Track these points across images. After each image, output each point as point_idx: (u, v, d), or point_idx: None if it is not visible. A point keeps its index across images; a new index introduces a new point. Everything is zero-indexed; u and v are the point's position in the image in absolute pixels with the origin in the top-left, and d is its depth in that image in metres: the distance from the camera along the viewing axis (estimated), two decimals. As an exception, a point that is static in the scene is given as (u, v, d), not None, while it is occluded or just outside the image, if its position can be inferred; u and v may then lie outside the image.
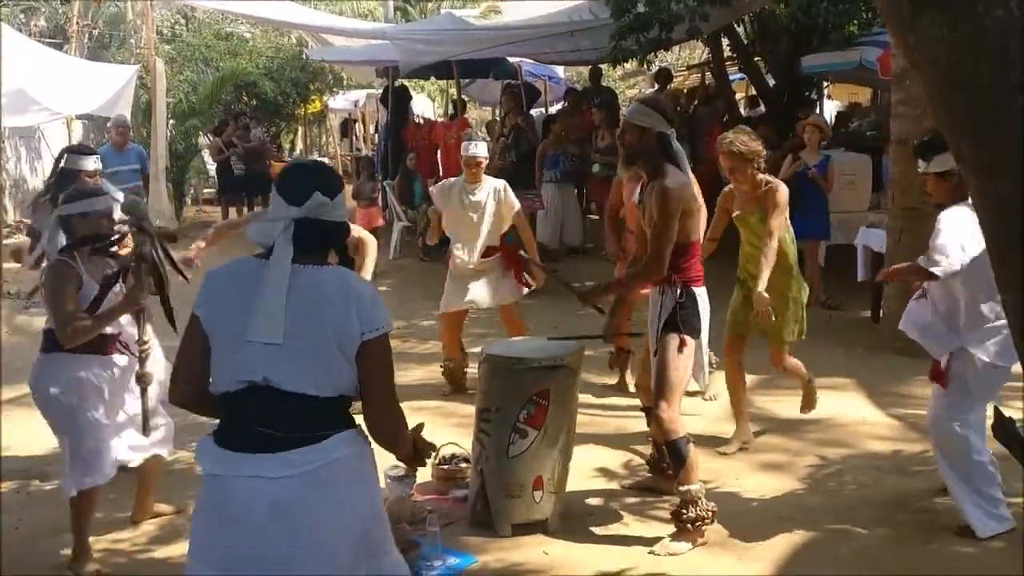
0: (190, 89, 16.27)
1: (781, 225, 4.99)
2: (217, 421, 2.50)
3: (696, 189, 4.31)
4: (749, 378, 6.35)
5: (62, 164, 5.21)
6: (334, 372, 2.37)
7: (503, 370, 4.28)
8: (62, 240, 3.98)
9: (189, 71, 17.04)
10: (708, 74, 14.76)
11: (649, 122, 4.14)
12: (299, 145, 25.50)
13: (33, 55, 12.41)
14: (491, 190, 6.19)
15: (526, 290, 6.38)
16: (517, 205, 6.24)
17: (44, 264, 4.16)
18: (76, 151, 5.46)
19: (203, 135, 16.81)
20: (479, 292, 6.22)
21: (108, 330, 3.95)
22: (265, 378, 2.34)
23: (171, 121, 15.36)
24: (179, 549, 4.07)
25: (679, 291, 4.13)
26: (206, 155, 17.95)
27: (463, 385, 6.34)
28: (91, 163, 5.23)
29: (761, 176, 4.99)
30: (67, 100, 12.47)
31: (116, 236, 4.07)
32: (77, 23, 21.11)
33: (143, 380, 4.00)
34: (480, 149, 6.23)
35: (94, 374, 3.98)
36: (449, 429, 5.11)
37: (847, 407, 5.90)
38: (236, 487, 2.35)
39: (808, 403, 5.43)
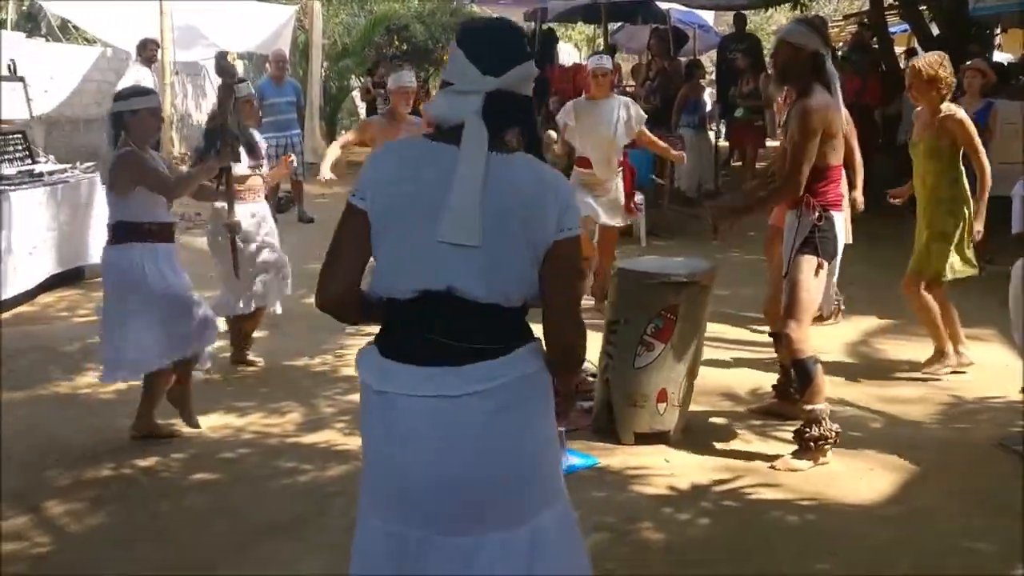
0: (344, 31, 16.78)
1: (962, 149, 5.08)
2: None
3: (846, 114, 4.27)
4: (882, 322, 6.29)
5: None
6: (524, 278, 2.04)
7: (633, 283, 4.37)
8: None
9: (344, 13, 17.56)
10: (864, 23, 14.20)
11: (803, 41, 4.09)
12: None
13: (201, -8, 13.04)
14: (620, 103, 6.49)
15: (631, 219, 6.97)
16: (644, 117, 6.54)
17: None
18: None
19: (355, 77, 17.35)
20: (597, 207, 6.50)
21: (167, 219, 4.43)
22: (449, 286, 2.00)
23: (325, 63, 15.92)
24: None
25: (816, 214, 4.11)
26: (357, 96, 18.51)
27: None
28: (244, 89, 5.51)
29: (944, 104, 5.01)
30: (231, 37, 13.09)
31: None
32: (242, -33, 21.96)
33: (232, 229, 4.80)
34: (606, 61, 6.61)
35: (156, 260, 4.32)
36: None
37: (990, 355, 5.72)
38: (410, 407, 2.04)
39: (934, 357, 5.35)
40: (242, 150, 5.04)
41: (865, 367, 5.53)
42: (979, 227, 5.20)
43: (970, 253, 5.22)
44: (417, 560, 2.06)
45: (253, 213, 5.35)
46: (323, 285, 2.11)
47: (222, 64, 4.52)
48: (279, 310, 5.62)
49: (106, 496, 3.87)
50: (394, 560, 2.07)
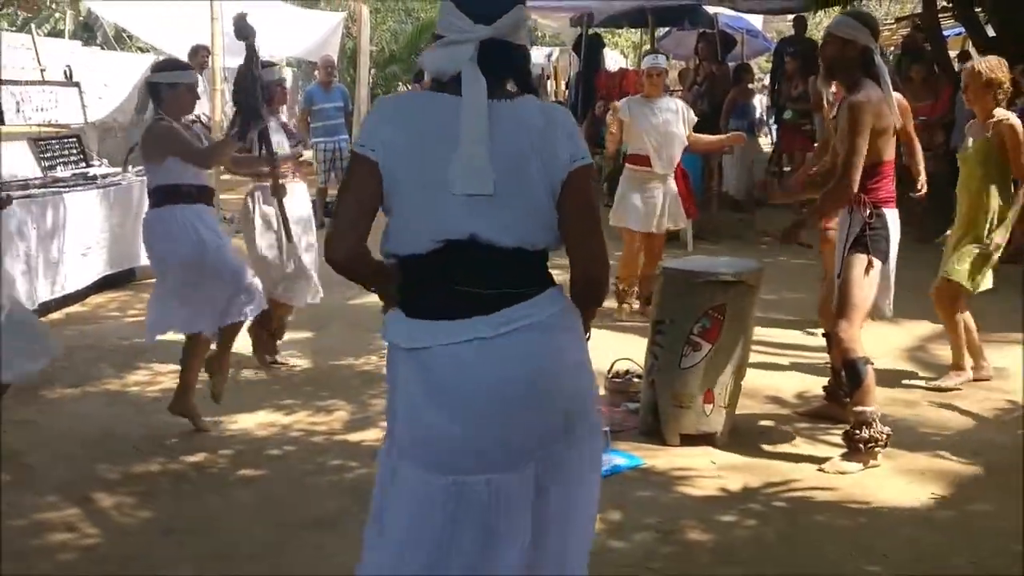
0: (391, 37, 16.97)
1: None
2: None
3: (897, 110, 4.17)
4: (935, 327, 6.13)
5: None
6: (546, 219, 2.05)
7: (679, 283, 4.33)
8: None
9: (392, 20, 17.75)
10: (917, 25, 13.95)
11: (852, 34, 4.01)
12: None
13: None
14: (673, 104, 6.54)
15: (684, 223, 6.94)
16: (694, 119, 6.55)
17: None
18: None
19: (402, 83, 17.47)
20: (645, 211, 6.45)
21: (205, 183, 4.48)
22: (472, 235, 2.00)
23: (372, 69, 16.06)
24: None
25: (868, 211, 4.05)
26: (404, 102, 18.67)
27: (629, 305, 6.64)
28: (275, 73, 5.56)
29: (999, 110, 4.90)
30: (279, 43, 13.22)
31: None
32: (291, -23, 22.24)
33: (278, 192, 4.83)
34: (661, 61, 6.66)
35: (201, 222, 4.34)
36: (623, 346, 5.20)
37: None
38: (446, 355, 2.02)
39: (954, 369, 5.18)
40: (274, 124, 5.09)
41: (918, 371, 5.44)
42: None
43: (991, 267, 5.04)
44: (482, 503, 2.04)
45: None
46: (335, 239, 2.06)
47: (239, 25, 4.43)
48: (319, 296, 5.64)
49: (154, 489, 3.90)
50: (454, 509, 2.04)
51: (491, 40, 2.03)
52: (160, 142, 4.29)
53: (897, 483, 3.89)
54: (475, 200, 1.98)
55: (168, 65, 4.51)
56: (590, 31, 13.96)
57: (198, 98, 4.59)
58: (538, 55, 22.91)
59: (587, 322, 2.23)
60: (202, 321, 4.47)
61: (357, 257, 2.06)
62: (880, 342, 5.54)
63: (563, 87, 21.35)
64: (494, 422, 2.03)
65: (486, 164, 1.97)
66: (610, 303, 6.61)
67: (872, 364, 4.07)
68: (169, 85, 4.33)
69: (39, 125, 7.94)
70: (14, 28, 17.08)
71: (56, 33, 16.86)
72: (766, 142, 15.91)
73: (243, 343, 5.52)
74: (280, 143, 5.12)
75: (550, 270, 2.14)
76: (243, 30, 4.39)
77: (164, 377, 5.36)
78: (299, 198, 5.44)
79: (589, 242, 2.10)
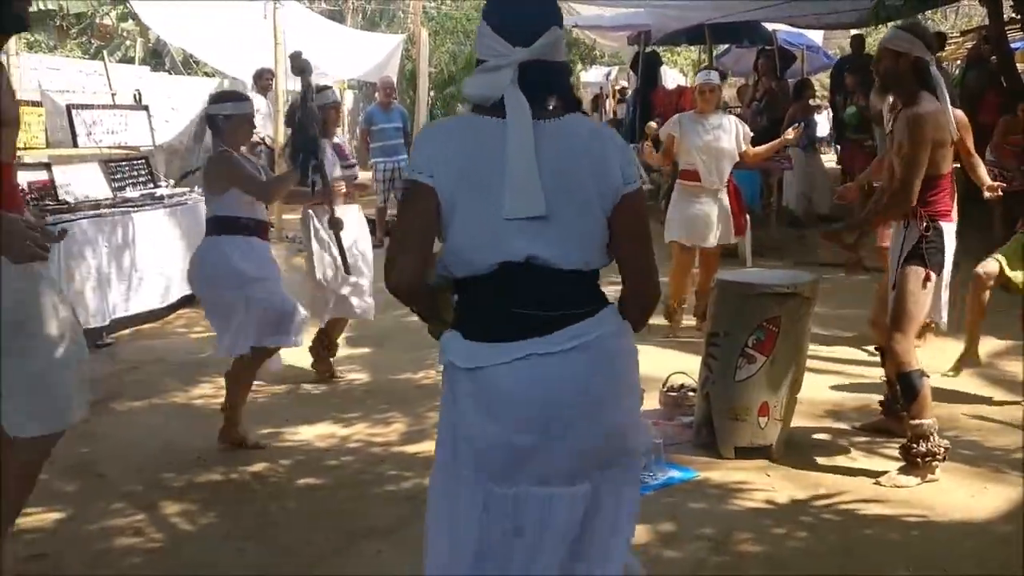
0: (450, 59, 17.15)
1: None
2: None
3: (954, 121, 4.13)
4: (997, 342, 6.04)
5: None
6: (598, 238, 2.07)
7: (734, 295, 4.33)
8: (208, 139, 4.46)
9: (450, 42, 17.96)
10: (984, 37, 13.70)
11: (906, 47, 3.99)
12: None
13: (311, 23, 13.51)
14: (725, 120, 6.54)
15: (737, 238, 6.86)
16: (750, 135, 6.55)
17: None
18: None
19: (460, 104, 17.65)
20: (696, 224, 6.46)
21: (262, 217, 4.53)
22: (529, 257, 2.01)
23: (431, 91, 16.27)
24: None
25: (925, 224, 4.01)
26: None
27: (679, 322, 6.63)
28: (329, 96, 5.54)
29: None
30: (341, 65, 13.48)
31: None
32: (352, 2, 22.69)
33: (336, 224, 4.87)
34: (714, 77, 6.65)
35: (250, 252, 4.39)
36: (677, 360, 5.21)
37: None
38: (502, 372, 2.03)
39: None
40: (330, 152, 5.16)
41: (981, 386, 5.33)
42: None
43: None
44: (537, 512, 2.08)
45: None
46: (398, 268, 2.04)
47: (296, 62, 4.49)
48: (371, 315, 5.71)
49: (217, 497, 4.01)
50: (511, 518, 2.08)
51: (530, 61, 2.04)
52: (223, 173, 4.36)
53: (957, 498, 3.83)
54: (530, 222, 1.98)
55: (225, 97, 4.58)
56: (648, 49, 13.99)
57: (254, 127, 4.69)
58: (597, 74, 23.00)
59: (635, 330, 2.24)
60: (246, 343, 4.47)
61: (418, 283, 2.07)
62: (944, 358, 5.46)
63: (614, 104, 21.26)
64: (547, 434, 2.04)
65: (536, 186, 1.97)
66: (661, 320, 6.61)
67: (927, 377, 4.02)
68: (226, 117, 4.38)
69: (110, 147, 8.20)
70: (87, 55, 17.68)
71: (127, 60, 17.40)
72: (827, 158, 15.75)
73: (302, 358, 5.65)
74: (332, 166, 5.20)
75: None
76: (300, 66, 4.49)
77: (227, 390, 5.50)
78: (352, 220, 5.44)
79: (642, 261, 2.15)
